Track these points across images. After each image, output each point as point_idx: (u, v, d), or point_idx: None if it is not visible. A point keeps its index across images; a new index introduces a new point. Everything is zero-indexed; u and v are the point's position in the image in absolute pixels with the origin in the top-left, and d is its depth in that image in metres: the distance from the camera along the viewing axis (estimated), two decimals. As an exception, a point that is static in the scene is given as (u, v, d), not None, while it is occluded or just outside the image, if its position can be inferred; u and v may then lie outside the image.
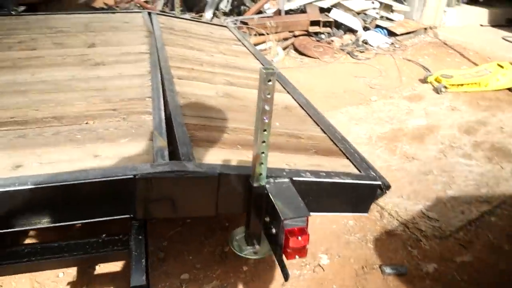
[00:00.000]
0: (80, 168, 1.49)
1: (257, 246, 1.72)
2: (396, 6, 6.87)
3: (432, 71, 5.32)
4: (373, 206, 2.96)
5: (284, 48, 5.98)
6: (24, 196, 1.41)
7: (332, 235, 2.71)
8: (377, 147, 3.70)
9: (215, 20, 6.06)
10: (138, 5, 7.79)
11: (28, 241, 2.14)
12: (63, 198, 1.45)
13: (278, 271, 2.39)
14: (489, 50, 6.41)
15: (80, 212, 1.49)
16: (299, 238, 1.42)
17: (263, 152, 1.47)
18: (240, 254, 1.72)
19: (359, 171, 1.87)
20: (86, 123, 1.85)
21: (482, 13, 7.89)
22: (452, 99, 4.75)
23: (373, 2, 6.68)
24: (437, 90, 4.86)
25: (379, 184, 1.83)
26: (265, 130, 1.43)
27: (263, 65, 3.16)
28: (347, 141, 2.16)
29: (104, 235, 1.63)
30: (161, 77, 2.34)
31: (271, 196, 1.52)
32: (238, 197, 1.61)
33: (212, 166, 1.56)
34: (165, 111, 1.96)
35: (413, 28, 6.86)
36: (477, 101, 4.72)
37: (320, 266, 2.46)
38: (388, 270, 2.44)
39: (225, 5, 6.38)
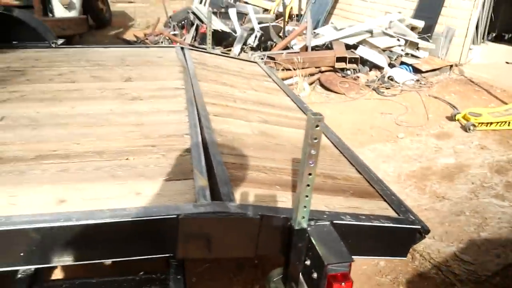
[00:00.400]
0: (123, 206, 1.50)
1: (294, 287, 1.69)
2: (421, 43, 6.91)
3: (460, 109, 5.29)
4: (405, 248, 2.90)
5: (311, 84, 6.05)
6: (67, 232, 1.42)
7: (363, 276, 2.65)
8: (406, 185, 3.66)
9: (243, 55, 6.18)
10: (167, 38, 8.03)
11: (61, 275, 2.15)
12: (105, 235, 1.45)
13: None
14: (516, 88, 6.37)
15: (120, 249, 1.49)
16: (343, 284, 1.39)
17: (307, 196, 1.47)
18: (278, 297, 1.69)
19: (398, 214, 1.84)
20: (127, 159, 1.87)
21: (508, 51, 7.89)
22: (482, 137, 4.69)
23: (398, 40, 6.74)
24: (465, 128, 4.81)
25: (419, 228, 1.79)
26: (310, 174, 1.43)
27: (294, 102, 3.19)
28: (383, 182, 2.13)
29: (141, 273, 1.63)
30: (197, 114, 2.38)
31: (313, 240, 1.50)
32: (278, 239, 1.59)
33: (254, 207, 1.55)
34: (203, 149, 1.98)
35: (439, 65, 6.87)
36: (507, 140, 4.65)
37: (353, 310, 2.39)
38: (422, 316, 2.37)
39: (252, 41, 6.52)
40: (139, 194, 1.61)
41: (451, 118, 5.11)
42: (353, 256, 1.69)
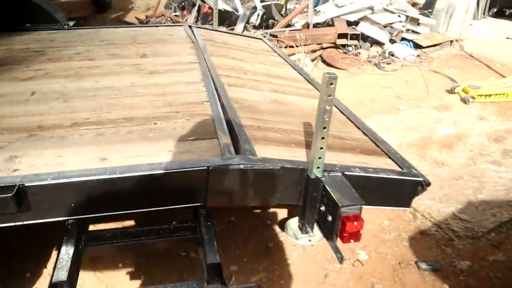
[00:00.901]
0: (158, 161, 1.70)
1: (310, 234, 1.90)
2: (422, 19, 7.03)
3: (459, 82, 5.44)
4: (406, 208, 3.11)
5: (313, 60, 6.19)
6: (111, 184, 1.61)
7: (368, 233, 2.86)
8: (408, 153, 3.85)
9: (246, 33, 6.31)
10: (169, 19, 8.13)
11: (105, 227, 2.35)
12: (144, 187, 1.65)
13: (320, 264, 2.55)
14: (516, 62, 6.51)
15: (157, 200, 1.69)
16: (355, 223, 1.59)
17: (321, 148, 1.66)
18: (296, 241, 1.90)
19: (402, 169, 2.04)
20: (155, 124, 2.06)
21: (508, 26, 8.00)
22: (480, 109, 4.87)
23: (399, 16, 6.86)
24: (464, 101, 4.98)
25: (421, 181, 1.99)
26: (324, 128, 1.62)
27: (300, 74, 3.36)
28: (387, 143, 2.33)
29: (174, 222, 1.83)
30: (214, 84, 2.55)
31: (327, 187, 1.70)
32: (296, 189, 1.79)
33: (274, 160, 1.75)
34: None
35: (439, 40, 7.00)
36: (505, 111, 4.83)
37: (359, 261, 2.61)
38: (423, 266, 2.58)
39: (255, 19, 6.64)
40: (170, 152, 1.81)
41: (451, 91, 5.27)
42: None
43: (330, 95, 1.55)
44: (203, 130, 2.00)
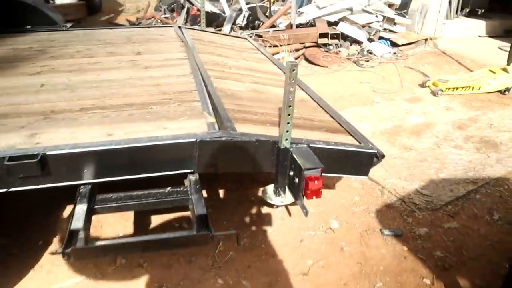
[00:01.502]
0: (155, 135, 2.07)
1: (282, 196, 2.28)
2: (398, 19, 7.46)
3: (431, 77, 5.87)
4: (375, 186, 3.51)
5: (296, 58, 6.58)
6: (117, 153, 1.98)
7: (341, 207, 3.24)
8: (379, 140, 4.25)
9: (233, 34, 6.68)
10: (160, 21, 8.48)
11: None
12: (144, 156, 2.02)
13: (297, 232, 2.93)
14: (485, 58, 6.95)
15: (155, 167, 2.07)
16: (316, 182, 1.98)
17: (288, 123, 2.04)
18: (271, 202, 2.28)
19: (360, 143, 2.43)
20: (151, 108, 2.43)
21: (480, 25, 8.46)
22: (448, 100, 5.29)
23: (376, 16, 7.28)
24: (434, 93, 5.41)
25: (375, 153, 2.38)
26: (290, 106, 2.01)
27: (280, 69, 3.75)
28: (350, 124, 2.72)
29: (169, 188, 2.20)
30: (201, 77, 2.93)
31: (294, 156, 2.08)
32: (269, 158, 2.17)
33: (251, 135, 2.13)
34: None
35: (414, 39, 7.44)
36: (470, 102, 5.26)
37: (331, 229, 2.99)
38: (386, 232, 2.97)
39: (241, 20, 7.02)
40: (165, 128, 2.18)
41: (423, 85, 5.69)
42: (324, 174, 2.28)
43: (293, 79, 1.93)
44: (192, 113, 2.37)
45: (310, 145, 2.19)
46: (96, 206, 2.10)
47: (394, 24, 7.50)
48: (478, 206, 3.35)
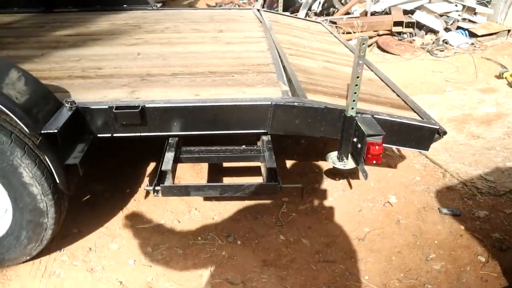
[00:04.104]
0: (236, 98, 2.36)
1: (345, 161, 2.49)
2: (479, 8, 7.22)
3: (509, 68, 5.69)
4: (437, 168, 3.59)
5: (369, 45, 6.64)
6: (203, 111, 2.30)
7: (401, 185, 3.38)
8: (446, 126, 4.26)
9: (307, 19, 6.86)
10: (238, 6, 8.83)
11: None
12: (226, 115, 2.32)
13: (356, 202, 3.12)
14: None
15: (234, 125, 2.36)
16: (377, 147, 2.17)
17: (355, 93, 2.24)
18: (335, 166, 2.50)
19: (422, 119, 2.57)
20: (232, 76, 2.73)
21: None
22: (526, 93, 5.15)
23: (456, 5, 7.11)
24: (511, 84, 5.26)
25: (437, 129, 2.51)
26: (358, 77, 2.20)
27: (352, 51, 3.91)
28: (416, 103, 2.85)
29: (244, 145, 2.49)
30: (277, 53, 3.18)
31: (359, 123, 2.28)
32: (336, 125, 2.39)
33: (320, 102, 2.35)
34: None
35: (496, 30, 7.16)
36: (550, 95, 5.07)
37: (389, 203, 3.15)
38: (444, 210, 3.07)
39: (316, 6, 7.17)
40: (244, 93, 2.47)
41: (499, 76, 5.54)
42: (386, 144, 2.46)
43: (362, 52, 2.12)
44: (269, 82, 2.64)
45: (374, 116, 2.38)
46: (182, 156, 2.44)
47: (475, 14, 7.27)
48: (545, 196, 3.33)
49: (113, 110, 2.19)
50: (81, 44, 3.46)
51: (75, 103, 2.20)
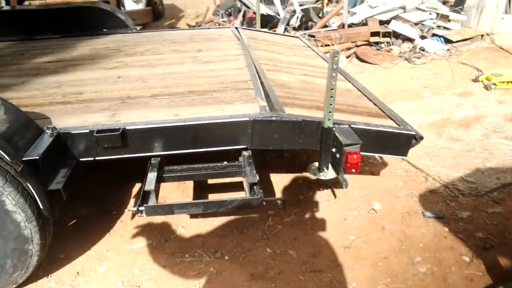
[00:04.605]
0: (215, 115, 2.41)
1: (326, 171, 2.54)
2: (452, 16, 7.43)
3: (484, 72, 5.84)
4: (419, 173, 3.66)
5: (347, 57, 6.77)
6: (183, 130, 2.34)
7: (384, 191, 3.43)
8: (426, 131, 4.37)
9: (286, 34, 6.99)
10: (218, 24, 8.95)
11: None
12: (205, 133, 2.36)
13: (341, 211, 3.16)
14: (546, 52, 6.78)
15: (214, 143, 2.40)
16: (355, 156, 2.23)
17: (331, 104, 2.31)
18: (315, 176, 2.55)
19: (399, 125, 2.64)
20: (211, 94, 2.78)
21: (544, 19, 8.18)
22: (501, 94, 5.27)
23: (430, 13, 7.30)
24: (487, 87, 5.40)
25: (414, 134, 2.58)
26: (332, 89, 2.27)
27: (329, 63, 3.99)
28: (393, 110, 2.93)
29: (225, 162, 2.53)
30: (255, 69, 3.25)
31: (336, 134, 2.34)
32: (314, 137, 2.44)
33: (297, 115, 2.41)
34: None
35: (470, 35, 7.36)
36: (525, 96, 5.21)
37: (374, 210, 3.20)
38: (428, 214, 3.13)
39: (295, 21, 7.31)
40: (223, 110, 2.52)
41: (475, 80, 5.68)
42: (365, 153, 2.52)
43: (335, 65, 2.19)
44: (247, 98, 2.70)
45: (352, 126, 2.44)
46: (164, 175, 2.47)
47: (449, 21, 7.47)
48: (526, 193, 3.41)
49: (94, 134, 2.22)
50: (62, 70, 3.50)
51: (56, 129, 2.23)
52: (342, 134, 2.34)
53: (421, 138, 2.62)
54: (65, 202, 2.29)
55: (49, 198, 2.14)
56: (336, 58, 2.19)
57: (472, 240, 2.88)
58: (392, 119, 2.75)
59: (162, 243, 2.89)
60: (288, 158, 3.89)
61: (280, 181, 3.54)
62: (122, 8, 7.73)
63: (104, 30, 4.93)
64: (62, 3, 5.92)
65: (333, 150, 2.41)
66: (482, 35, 7.45)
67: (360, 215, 3.15)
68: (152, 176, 2.35)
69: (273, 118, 2.34)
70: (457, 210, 3.19)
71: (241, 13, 8.80)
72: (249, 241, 2.89)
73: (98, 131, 2.22)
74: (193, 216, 3.11)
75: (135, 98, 2.78)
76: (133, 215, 3.11)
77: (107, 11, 4.84)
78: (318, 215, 3.15)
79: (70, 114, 2.58)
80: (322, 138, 2.42)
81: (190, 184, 3.48)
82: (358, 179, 3.53)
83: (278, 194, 3.39)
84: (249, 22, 8.46)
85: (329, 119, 2.36)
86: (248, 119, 2.33)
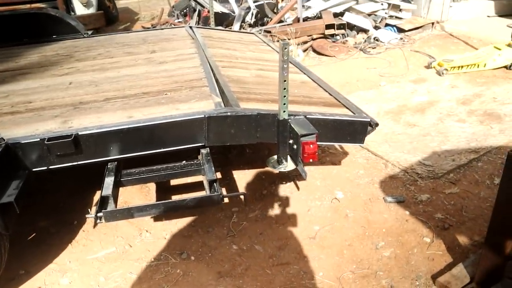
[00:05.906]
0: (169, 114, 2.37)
1: (284, 163, 2.55)
2: (403, 5, 7.62)
3: (437, 58, 6.02)
4: (379, 160, 3.74)
5: (304, 50, 6.83)
6: (138, 131, 2.30)
7: (346, 180, 3.49)
8: (384, 119, 4.47)
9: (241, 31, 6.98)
10: (173, 25, 8.84)
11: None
12: (161, 133, 2.33)
13: (305, 203, 3.19)
14: (493, 37, 7.01)
15: (170, 142, 2.37)
16: (311, 146, 2.25)
17: (285, 96, 2.32)
18: (275, 170, 2.56)
19: (354, 113, 2.68)
20: (166, 94, 2.75)
21: (489, 5, 8.49)
22: (453, 79, 5.46)
23: (382, 4, 7.46)
24: (439, 73, 5.57)
25: (369, 121, 2.63)
26: (285, 81, 2.28)
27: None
28: (348, 99, 2.97)
29: (184, 161, 2.50)
30: (210, 66, 3.23)
31: (292, 125, 2.36)
32: (271, 130, 2.45)
33: (252, 109, 2.41)
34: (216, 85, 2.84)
35: (421, 23, 7.57)
36: (475, 79, 5.41)
37: (337, 199, 3.24)
38: (389, 199, 3.20)
39: (250, 18, 7.31)
40: (178, 109, 2.49)
41: (428, 67, 5.86)
42: (322, 142, 2.54)
43: (286, 57, 2.20)
44: (201, 96, 2.67)
45: (307, 116, 2.46)
46: (122, 179, 2.42)
47: (400, 10, 7.66)
48: (479, 172, 3.53)
49: (45, 142, 2.15)
50: (10, 80, 3.36)
51: (3, 139, 2.15)
52: (298, 125, 2.35)
53: (377, 124, 2.67)
54: (19, 215, 2.20)
55: (1, 212, 2.05)
56: (286, 50, 2.20)
57: (432, 221, 2.97)
58: (347, 108, 2.79)
59: (127, 249, 2.83)
60: (249, 154, 3.89)
61: (242, 177, 3.54)
62: (72, 13, 7.49)
63: (54, 36, 4.77)
64: (7, 10, 5.70)
65: (290, 141, 2.42)
66: (433, 23, 7.68)
67: (323, 205, 3.19)
68: (109, 181, 2.29)
69: (228, 114, 2.33)
70: (416, 194, 3.28)
71: (196, 12, 8.72)
72: (215, 240, 2.87)
73: (49, 139, 2.15)
74: (157, 219, 3.06)
75: (87, 103, 2.71)
76: (95, 224, 3.03)
77: (55, 16, 4.70)
78: (282, 208, 3.16)
79: (19, 124, 2.49)
80: (279, 130, 2.43)
81: (152, 187, 3.42)
82: (320, 170, 3.57)
83: (242, 190, 3.38)
84: (204, 21, 8.39)
85: (284, 111, 2.37)
86: (203, 116, 2.32)
